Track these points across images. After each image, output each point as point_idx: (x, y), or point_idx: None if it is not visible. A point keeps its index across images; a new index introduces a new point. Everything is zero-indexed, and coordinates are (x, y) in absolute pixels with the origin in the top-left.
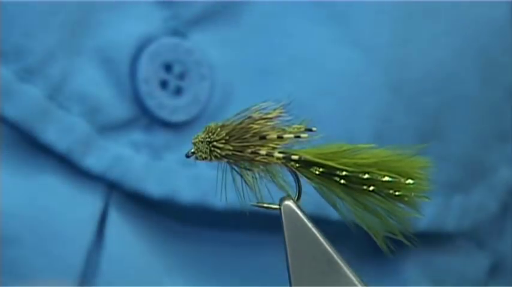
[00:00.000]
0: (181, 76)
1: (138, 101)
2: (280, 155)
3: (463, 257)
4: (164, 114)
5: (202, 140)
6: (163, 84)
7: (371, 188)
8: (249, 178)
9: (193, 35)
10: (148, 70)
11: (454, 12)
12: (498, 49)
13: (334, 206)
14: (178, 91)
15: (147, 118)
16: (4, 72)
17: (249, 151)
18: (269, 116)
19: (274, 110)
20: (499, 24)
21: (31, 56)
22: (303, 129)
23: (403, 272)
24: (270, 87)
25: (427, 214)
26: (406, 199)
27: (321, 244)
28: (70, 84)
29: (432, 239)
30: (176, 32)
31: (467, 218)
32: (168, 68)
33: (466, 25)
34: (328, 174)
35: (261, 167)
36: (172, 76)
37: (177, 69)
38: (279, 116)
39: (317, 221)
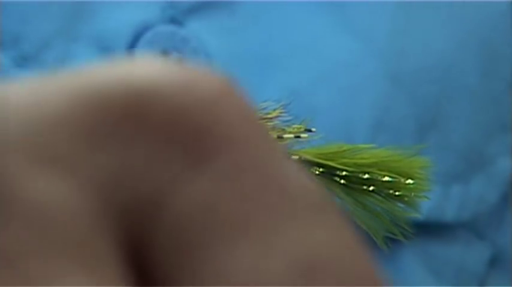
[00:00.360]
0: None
1: None
2: None
3: (462, 248)
4: None
5: None
6: None
7: (371, 188)
8: None
9: (190, 23)
10: None
11: (454, 3)
12: (498, 41)
13: None
14: None
15: None
16: (2, 59)
17: None
18: (269, 116)
19: (274, 110)
20: (499, 16)
21: (28, 42)
22: (302, 129)
23: (401, 261)
24: (268, 76)
25: (425, 204)
26: (406, 199)
27: None
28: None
29: (431, 230)
30: (173, 20)
31: (467, 209)
32: (165, 56)
33: (466, 16)
34: (328, 174)
35: None
36: None
37: (174, 57)
38: (279, 116)
39: None
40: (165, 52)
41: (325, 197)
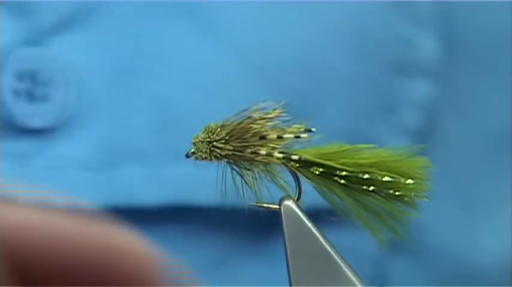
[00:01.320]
0: (47, 83)
1: (4, 111)
2: (280, 155)
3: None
4: (32, 122)
5: (202, 140)
6: (29, 93)
7: (371, 188)
8: (249, 178)
9: (55, 43)
10: (13, 81)
11: None
12: (373, 26)
13: (334, 206)
14: (44, 98)
15: (14, 127)
16: None
17: (249, 151)
18: (269, 116)
19: (274, 110)
20: (375, 3)
21: None
22: (302, 129)
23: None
24: (136, 86)
25: None
26: (406, 199)
27: (321, 244)
28: None
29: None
30: (37, 41)
31: None
32: (33, 76)
33: (334, 6)
34: (328, 174)
35: (261, 167)
36: (37, 84)
37: (42, 77)
38: (279, 116)
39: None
40: (33, 73)
41: None
